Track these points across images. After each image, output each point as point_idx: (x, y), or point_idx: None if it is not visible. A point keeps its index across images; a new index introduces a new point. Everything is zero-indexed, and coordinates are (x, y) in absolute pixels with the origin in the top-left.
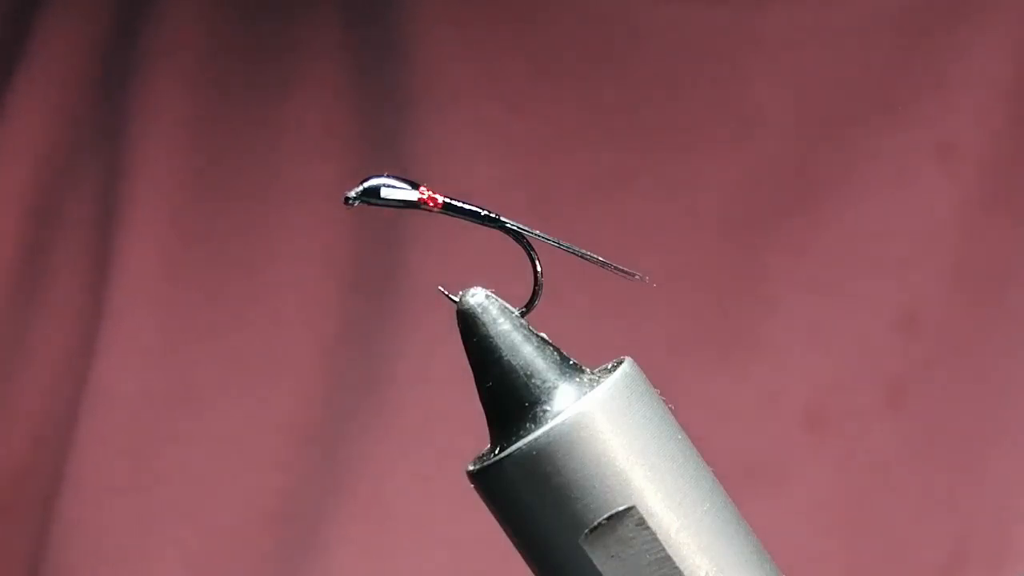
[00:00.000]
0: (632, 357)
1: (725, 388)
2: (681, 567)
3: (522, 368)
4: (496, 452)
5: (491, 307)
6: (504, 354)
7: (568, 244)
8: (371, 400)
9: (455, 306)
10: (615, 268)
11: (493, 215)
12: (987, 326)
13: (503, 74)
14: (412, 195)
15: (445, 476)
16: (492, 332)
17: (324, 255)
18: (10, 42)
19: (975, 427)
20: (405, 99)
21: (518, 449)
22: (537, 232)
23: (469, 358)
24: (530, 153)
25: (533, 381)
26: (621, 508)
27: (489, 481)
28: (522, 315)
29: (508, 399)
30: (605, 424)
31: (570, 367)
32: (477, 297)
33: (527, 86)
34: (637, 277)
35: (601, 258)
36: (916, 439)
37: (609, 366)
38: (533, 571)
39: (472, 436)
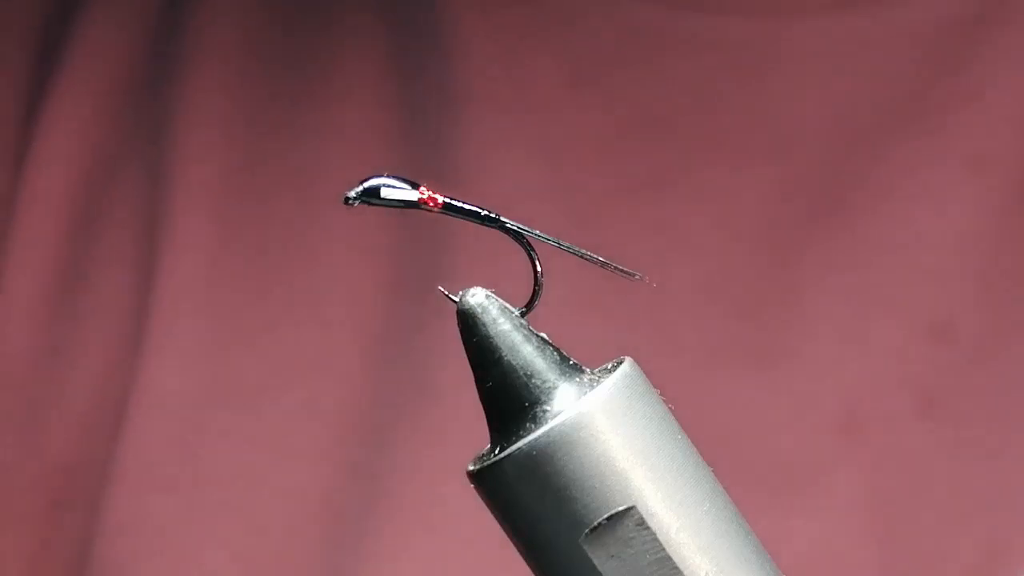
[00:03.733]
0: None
1: (759, 395)
2: (681, 567)
3: (522, 368)
4: (496, 452)
5: (491, 307)
6: (504, 354)
7: (568, 244)
8: (417, 398)
9: (455, 306)
10: (615, 268)
11: (493, 215)
12: (1018, 333)
13: (540, 80)
14: (412, 195)
15: None
16: (492, 332)
17: (367, 255)
18: (50, 47)
19: (1007, 432)
20: (444, 102)
21: (518, 449)
22: (537, 232)
23: (469, 358)
24: (565, 158)
25: (533, 381)
26: (621, 508)
27: (489, 481)
28: (522, 315)
29: (508, 399)
30: (605, 424)
31: (570, 367)
32: (477, 297)
33: (563, 92)
34: (637, 277)
35: (601, 258)
36: (949, 444)
37: (609, 366)
38: (533, 571)
39: None
